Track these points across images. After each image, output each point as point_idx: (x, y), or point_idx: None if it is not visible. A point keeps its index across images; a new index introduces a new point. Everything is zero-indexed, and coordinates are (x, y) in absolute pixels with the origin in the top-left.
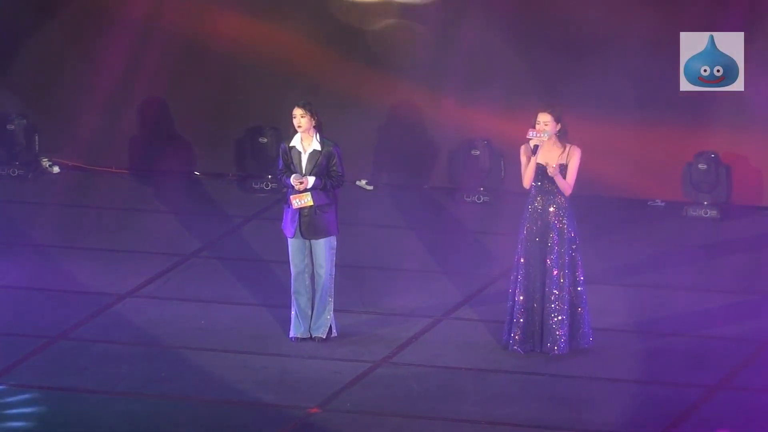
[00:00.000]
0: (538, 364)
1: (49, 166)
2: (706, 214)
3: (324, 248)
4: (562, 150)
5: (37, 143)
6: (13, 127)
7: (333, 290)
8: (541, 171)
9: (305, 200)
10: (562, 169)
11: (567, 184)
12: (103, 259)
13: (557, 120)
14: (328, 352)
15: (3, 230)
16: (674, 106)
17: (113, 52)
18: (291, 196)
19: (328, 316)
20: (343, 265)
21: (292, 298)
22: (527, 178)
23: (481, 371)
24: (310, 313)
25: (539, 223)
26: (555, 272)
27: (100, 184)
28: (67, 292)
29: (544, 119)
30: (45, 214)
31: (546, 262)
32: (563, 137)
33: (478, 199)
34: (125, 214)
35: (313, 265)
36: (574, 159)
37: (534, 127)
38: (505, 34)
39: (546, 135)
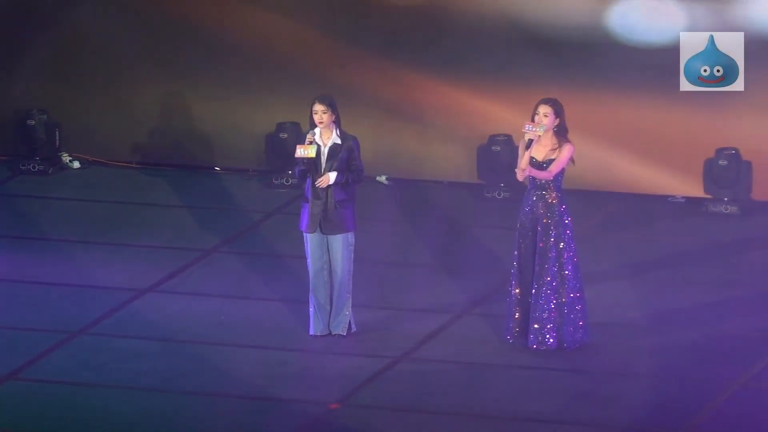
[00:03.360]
0: (558, 360)
1: (70, 161)
2: (727, 210)
3: (341, 244)
4: (554, 146)
5: (57, 138)
6: (33, 122)
7: (351, 287)
8: (536, 165)
9: (308, 151)
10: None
11: (546, 173)
12: (124, 254)
13: (557, 114)
14: (347, 347)
15: (24, 226)
16: (695, 101)
17: (134, 46)
18: (297, 146)
19: (347, 313)
20: (362, 261)
21: (311, 294)
22: (523, 163)
23: (502, 367)
24: (329, 308)
25: (530, 217)
26: (537, 269)
27: (121, 180)
28: (87, 287)
29: (544, 110)
30: (66, 210)
31: (534, 257)
32: (561, 134)
33: (499, 194)
34: (145, 209)
35: (330, 261)
36: (562, 152)
37: (532, 120)
38: (525, 30)
39: (542, 129)
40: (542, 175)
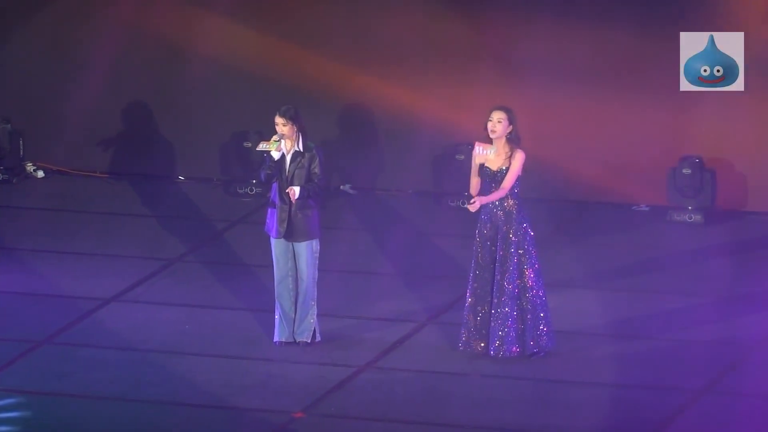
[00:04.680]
0: (521, 368)
1: (34, 170)
2: (691, 218)
3: (306, 252)
4: (507, 154)
5: (21, 148)
6: None
7: (316, 294)
8: (491, 175)
9: (269, 146)
10: (504, 172)
11: (500, 192)
12: (88, 263)
13: (510, 121)
14: (312, 356)
15: None
16: (659, 109)
17: (98, 56)
18: (261, 141)
19: (312, 320)
20: (327, 270)
21: (276, 301)
22: (473, 186)
23: (466, 376)
24: (293, 316)
25: (489, 226)
26: (497, 277)
27: (85, 189)
28: (52, 296)
29: (498, 116)
30: (30, 219)
31: (494, 266)
32: (513, 142)
33: (462, 203)
34: (110, 218)
35: (296, 268)
36: (514, 162)
37: (485, 127)
38: (491, 38)
39: (492, 151)
40: (497, 195)
